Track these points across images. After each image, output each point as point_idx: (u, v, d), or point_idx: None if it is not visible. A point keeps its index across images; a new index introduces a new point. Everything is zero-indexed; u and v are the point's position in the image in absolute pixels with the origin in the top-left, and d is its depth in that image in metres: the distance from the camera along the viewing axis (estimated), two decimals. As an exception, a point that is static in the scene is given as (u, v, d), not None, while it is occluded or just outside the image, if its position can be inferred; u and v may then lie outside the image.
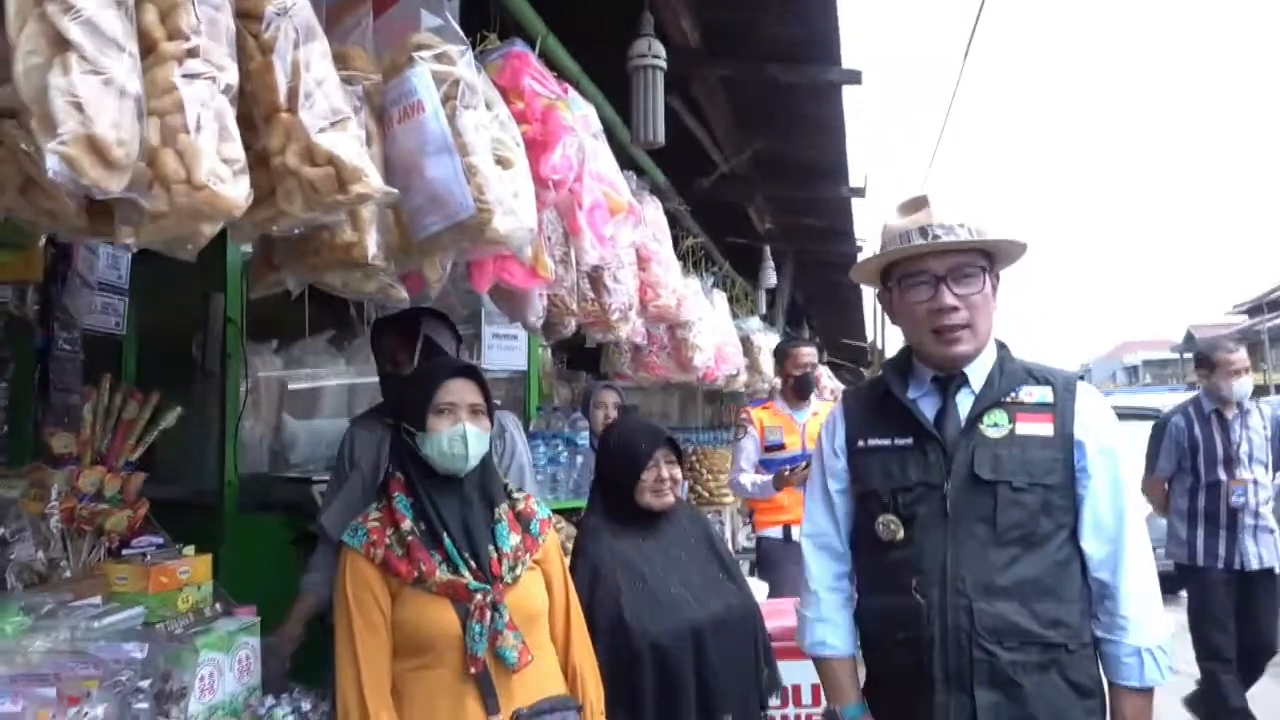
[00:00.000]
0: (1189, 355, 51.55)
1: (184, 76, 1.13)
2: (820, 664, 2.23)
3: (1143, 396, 19.50)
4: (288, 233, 1.41)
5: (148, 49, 1.13)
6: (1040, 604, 1.92)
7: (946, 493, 1.97)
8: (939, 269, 2.01)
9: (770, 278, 7.31)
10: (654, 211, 3.55)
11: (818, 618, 2.21)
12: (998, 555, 1.93)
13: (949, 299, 2.00)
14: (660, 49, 3.04)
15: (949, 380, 2.07)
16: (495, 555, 2.19)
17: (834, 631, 2.19)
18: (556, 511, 4.19)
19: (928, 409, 2.07)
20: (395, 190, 1.47)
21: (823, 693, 2.29)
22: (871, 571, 2.13)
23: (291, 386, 4.09)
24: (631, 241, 2.81)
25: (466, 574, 2.13)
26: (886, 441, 2.07)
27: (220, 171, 1.14)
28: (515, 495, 2.37)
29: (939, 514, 1.98)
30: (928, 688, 1.94)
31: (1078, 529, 1.98)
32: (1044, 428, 1.99)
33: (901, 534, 2.02)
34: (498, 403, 4.03)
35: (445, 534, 2.16)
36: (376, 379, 4.11)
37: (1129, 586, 1.93)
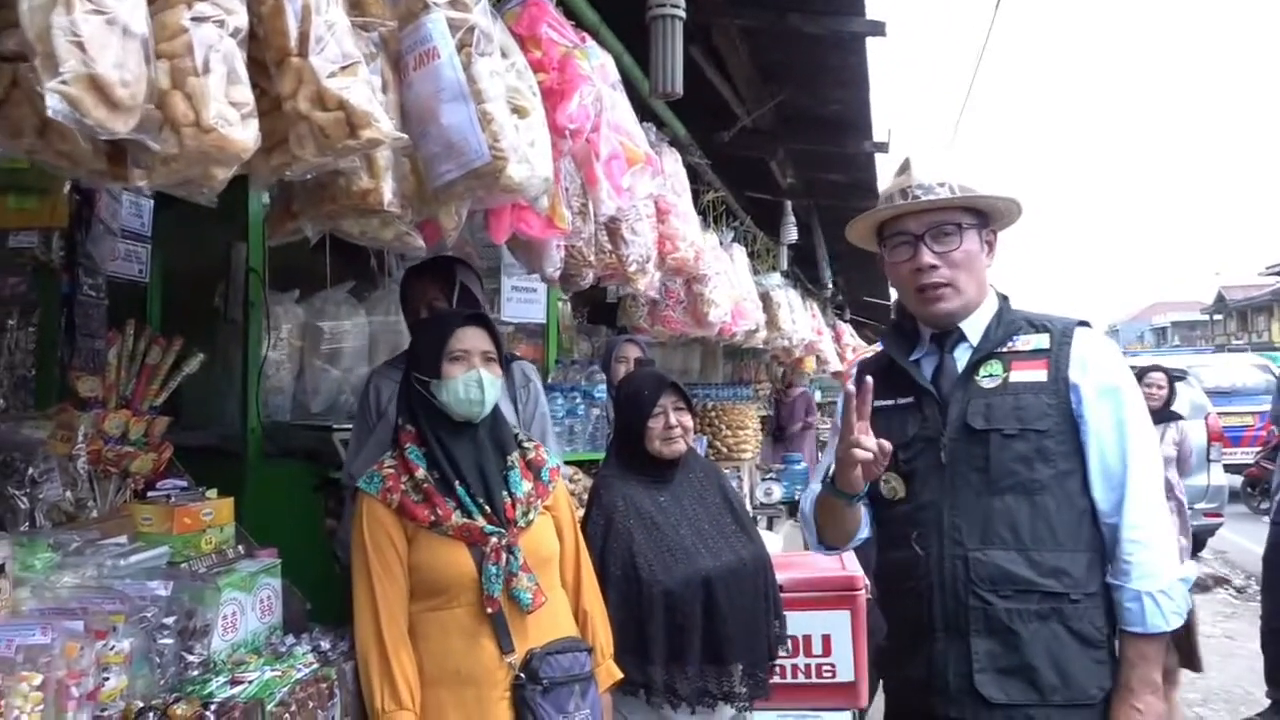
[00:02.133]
0: (1219, 317, 51.06)
1: (193, 19, 1.14)
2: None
3: (1167, 357, 19.33)
4: (301, 178, 1.43)
5: (157, -9, 1.14)
6: (1039, 553, 1.92)
7: (943, 445, 2.00)
8: (917, 228, 2.04)
9: (791, 233, 7.26)
10: (673, 164, 3.54)
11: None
12: (993, 504, 1.95)
13: (926, 257, 2.02)
14: (680, -2, 3.00)
15: (945, 336, 2.09)
16: (509, 500, 2.23)
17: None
18: (573, 463, 4.26)
19: (927, 367, 2.11)
20: (405, 135, 1.48)
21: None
22: (881, 529, 2.17)
23: (313, 337, 4.12)
24: (650, 193, 2.80)
25: (480, 518, 2.17)
26: (890, 402, 2.08)
27: (228, 115, 1.15)
28: (525, 444, 2.41)
29: (936, 466, 2.01)
30: (929, 636, 1.98)
31: (1087, 476, 1.97)
32: (1038, 374, 1.99)
33: (903, 491, 2.05)
34: (518, 354, 4.06)
35: (459, 480, 2.20)
36: (397, 329, 4.17)
37: (1131, 528, 1.92)
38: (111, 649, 1.84)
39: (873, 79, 5.04)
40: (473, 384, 2.23)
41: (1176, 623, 1.91)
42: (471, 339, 2.28)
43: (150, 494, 2.40)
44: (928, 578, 1.98)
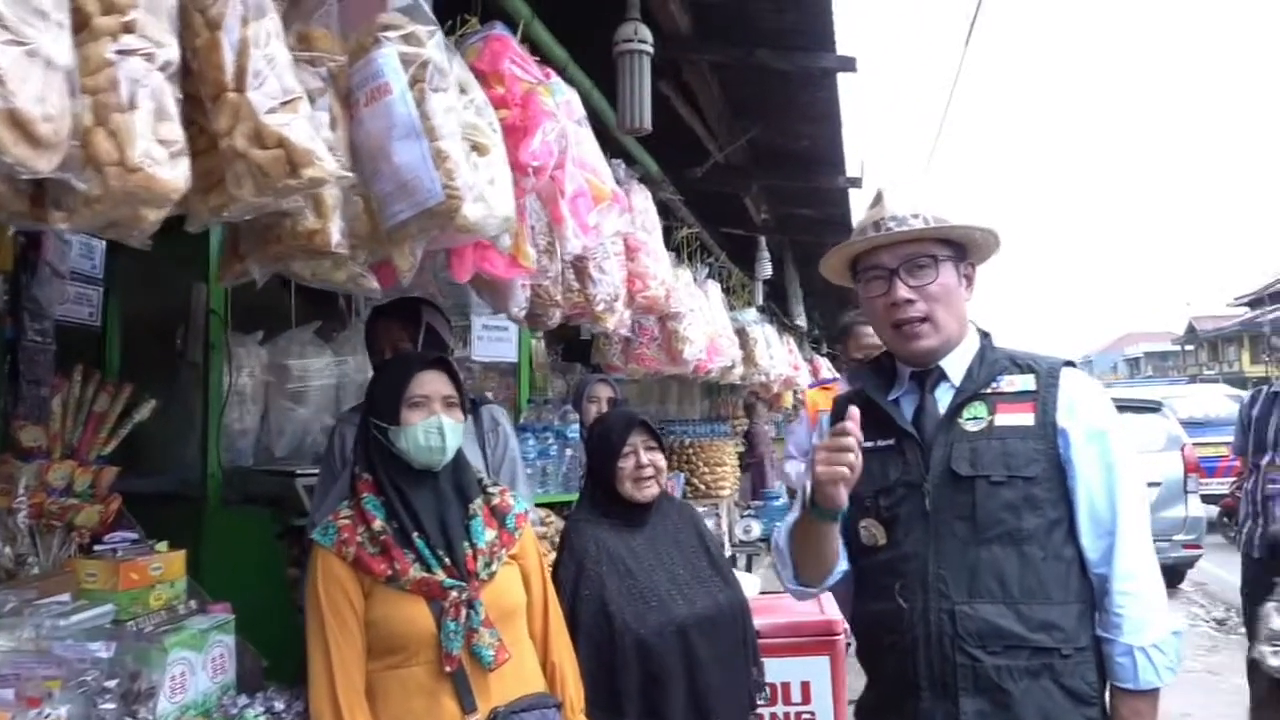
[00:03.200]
0: (1189, 347, 51.65)
1: (118, 52, 1.07)
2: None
3: (1143, 388, 19.47)
4: (239, 219, 1.35)
5: (81, 24, 1.07)
6: (1028, 606, 1.83)
7: (926, 491, 1.91)
8: (891, 262, 1.96)
9: (766, 269, 7.25)
10: (643, 200, 3.49)
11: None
12: (980, 554, 1.85)
13: (901, 291, 1.95)
14: (647, 34, 2.97)
15: (925, 375, 2.01)
16: (470, 551, 2.14)
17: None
18: (546, 505, 4.17)
19: (908, 407, 2.02)
20: (351, 174, 1.42)
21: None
22: (860, 576, 2.07)
23: (278, 377, 4.03)
24: (617, 231, 2.75)
25: (440, 571, 2.09)
26: (869, 444, 1.97)
27: (155, 153, 1.08)
28: (490, 490, 2.33)
29: (920, 514, 1.91)
30: (914, 694, 1.88)
31: (1074, 524, 1.89)
32: (1025, 417, 1.91)
33: (883, 539, 1.96)
34: (488, 396, 3.98)
35: (418, 531, 2.12)
36: (365, 370, 4.09)
37: (1121, 578, 1.84)
38: (47, 716, 1.75)
39: (845, 113, 5.05)
40: (433, 431, 2.15)
41: (1169, 678, 1.83)
42: (432, 383, 2.20)
43: (97, 548, 2.29)
44: (912, 631, 1.88)
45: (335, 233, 1.56)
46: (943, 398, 1.99)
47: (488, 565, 2.16)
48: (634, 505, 2.68)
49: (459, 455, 2.25)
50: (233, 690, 2.23)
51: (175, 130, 1.12)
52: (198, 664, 2.15)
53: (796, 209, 7.16)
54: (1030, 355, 2.03)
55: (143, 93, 1.08)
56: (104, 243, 2.81)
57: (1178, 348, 55.79)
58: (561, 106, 2.48)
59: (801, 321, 9.42)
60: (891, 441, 1.99)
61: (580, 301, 2.92)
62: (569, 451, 4.38)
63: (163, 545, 2.32)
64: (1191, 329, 50.48)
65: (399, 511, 2.12)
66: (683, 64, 4.38)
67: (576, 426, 4.44)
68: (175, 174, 1.10)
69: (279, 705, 2.18)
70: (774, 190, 6.62)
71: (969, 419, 1.93)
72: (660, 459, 2.72)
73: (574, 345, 6.88)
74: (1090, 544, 1.88)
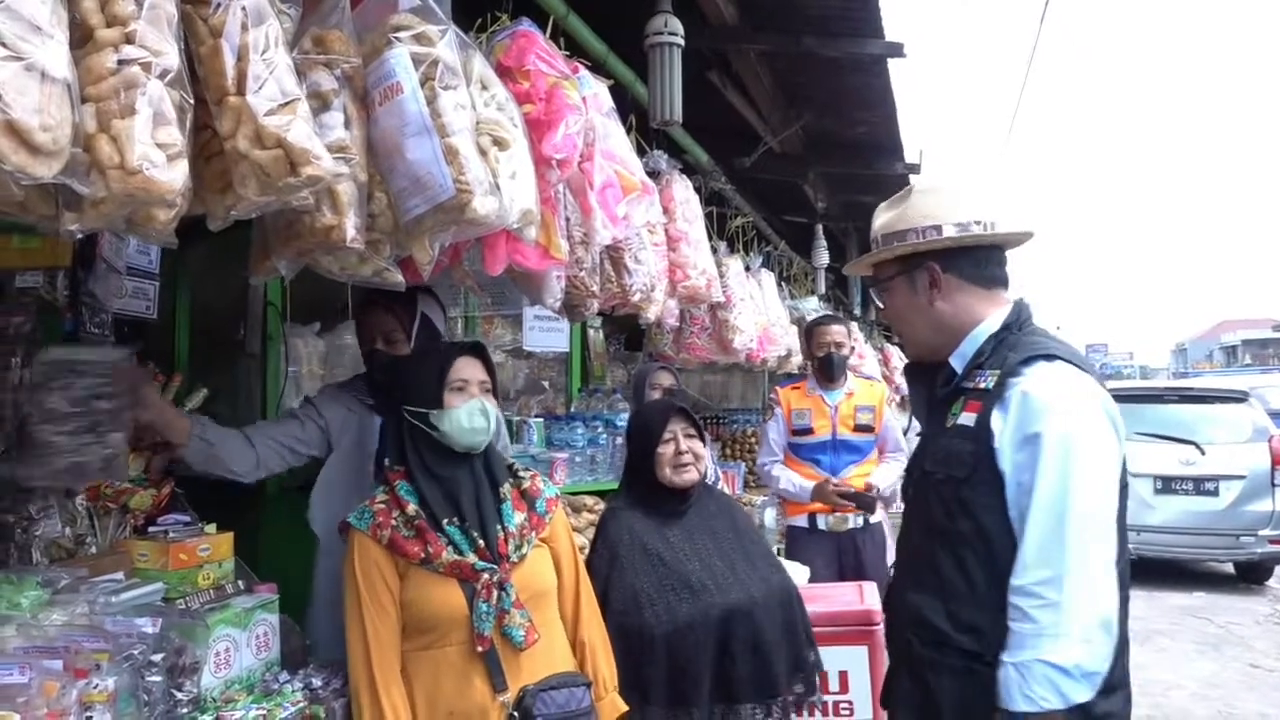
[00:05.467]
0: (1291, 334, 49.43)
1: (119, 62, 1.14)
2: None
3: (1236, 377, 18.69)
4: (248, 216, 1.42)
5: (85, 36, 1.15)
6: (958, 605, 1.82)
7: (911, 481, 2.04)
8: (869, 282, 2.13)
9: (823, 257, 7.18)
10: (684, 191, 3.51)
11: None
12: (927, 549, 1.91)
13: (884, 311, 2.12)
14: (678, 26, 2.97)
15: (940, 370, 2.05)
16: (501, 534, 2.19)
17: None
18: (596, 493, 4.23)
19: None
20: (345, 170, 1.47)
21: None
22: None
23: (331, 368, 4.16)
24: (647, 221, 2.77)
25: (472, 554, 2.14)
26: (920, 432, 2.13)
27: (153, 156, 1.14)
28: (521, 474, 2.38)
29: (909, 501, 2.05)
30: (893, 665, 2.04)
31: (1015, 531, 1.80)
32: (970, 417, 1.87)
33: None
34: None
35: (452, 515, 2.18)
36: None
37: (1016, 593, 1.73)
38: (95, 687, 1.84)
39: (901, 100, 4.98)
40: (476, 413, 2.21)
41: (1027, 706, 1.68)
42: (470, 369, 2.27)
43: (150, 529, 2.41)
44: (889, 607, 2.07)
45: (350, 228, 1.61)
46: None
47: (518, 548, 2.21)
48: (673, 493, 2.69)
49: (491, 440, 2.31)
50: (276, 667, 2.32)
51: (174, 134, 1.18)
52: (242, 641, 2.24)
53: (858, 196, 7.08)
54: (1022, 345, 1.92)
55: (141, 100, 1.15)
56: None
57: (1278, 335, 53.39)
58: (590, 100, 2.52)
59: (856, 311, 9.29)
60: (925, 431, 2.09)
61: (617, 292, 2.95)
62: (618, 440, 4.42)
63: (211, 528, 2.43)
64: (1292, 315, 48.23)
65: (434, 495, 2.18)
66: (731, 53, 4.38)
67: (625, 415, 4.47)
68: (172, 176, 1.16)
69: (317, 682, 2.27)
70: (832, 178, 6.56)
71: (951, 414, 1.95)
72: (699, 446, 2.73)
73: (635, 335, 6.92)
74: (1013, 553, 1.77)
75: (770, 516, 5.23)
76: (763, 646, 2.57)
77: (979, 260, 2.01)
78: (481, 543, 2.17)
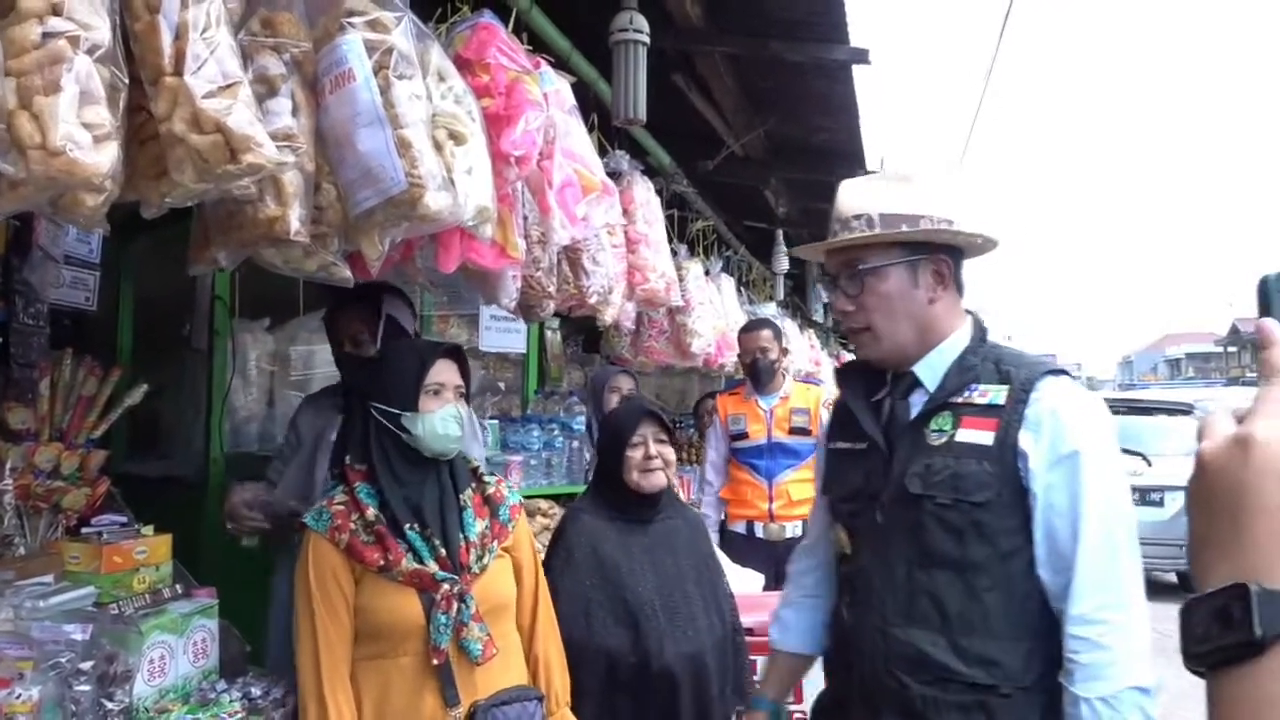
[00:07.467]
0: (1233, 349, 50.64)
1: (44, 34, 1.06)
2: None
3: (1179, 391, 19.09)
4: (183, 204, 1.34)
5: (8, 6, 1.07)
6: (966, 638, 1.68)
7: (881, 504, 1.80)
8: (832, 268, 1.87)
9: (782, 262, 7.17)
10: (644, 193, 3.46)
11: (778, 609, 2.22)
12: (922, 578, 1.72)
13: (841, 301, 1.86)
14: (643, 23, 2.92)
15: (900, 380, 1.87)
16: (464, 544, 2.13)
17: (780, 627, 2.18)
18: (551, 497, 4.16)
19: (887, 412, 1.89)
20: (290, 159, 1.40)
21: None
22: (836, 584, 2.02)
23: (284, 364, 4.06)
24: (606, 223, 2.71)
25: (433, 563, 2.07)
26: (846, 445, 1.91)
27: (78, 137, 1.06)
28: (487, 479, 2.31)
29: (874, 527, 1.81)
30: (847, 706, 1.82)
31: (1036, 555, 1.70)
32: (984, 435, 1.71)
33: (849, 548, 1.89)
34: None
35: (413, 522, 2.10)
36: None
37: (1077, 622, 1.63)
38: (18, 697, 1.76)
39: (864, 106, 4.98)
40: (450, 419, 2.14)
41: None
42: (448, 373, 2.20)
43: (84, 530, 2.31)
44: (855, 645, 1.81)
45: (295, 220, 1.54)
46: (916, 404, 1.85)
47: (480, 558, 2.14)
48: (640, 498, 2.63)
49: None
50: (215, 675, 2.23)
51: (102, 114, 1.11)
52: (178, 648, 2.16)
53: (817, 203, 7.09)
54: (1017, 359, 1.81)
55: (67, 76, 1.07)
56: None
57: (1220, 349, 54.76)
58: (551, 96, 2.46)
59: (819, 317, 9.32)
60: (863, 446, 1.88)
61: (574, 293, 2.90)
62: (574, 443, 4.36)
63: (148, 529, 2.33)
64: (1235, 330, 49.49)
65: (396, 500, 2.10)
66: (695, 55, 4.34)
67: (582, 418, 4.42)
68: (99, 158, 1.09)
69: (256, 691, 2.18)
70: (794, 183, 6.56)
71: (934, 430, 1.77)
72: (669, 452, 2.66)
73: (594, 337, 6.86)
74: (1050, 578, 1.69)
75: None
76: (705, 696, 2.49)
77: (961, 266, 1.90)
78: (443, 551, 2.09)
